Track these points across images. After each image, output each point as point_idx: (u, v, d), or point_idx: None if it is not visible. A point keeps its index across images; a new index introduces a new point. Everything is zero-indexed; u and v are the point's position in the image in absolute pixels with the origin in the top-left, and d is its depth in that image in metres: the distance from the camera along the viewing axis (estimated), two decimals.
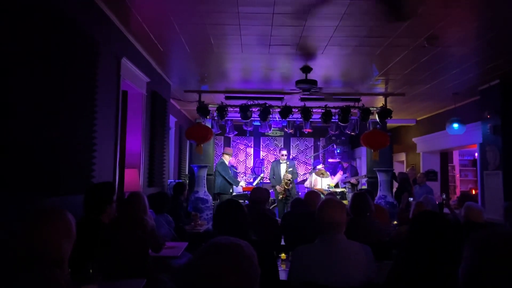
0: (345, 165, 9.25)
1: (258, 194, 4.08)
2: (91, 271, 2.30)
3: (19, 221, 1.67)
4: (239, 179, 8.77)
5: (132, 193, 3.27)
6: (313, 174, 8.38)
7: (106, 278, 2.48)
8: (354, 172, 9.38)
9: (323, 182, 8.25)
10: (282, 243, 4.13)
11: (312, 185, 8.20)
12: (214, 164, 8.10)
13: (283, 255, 3.29)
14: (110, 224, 2.76)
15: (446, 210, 5.60)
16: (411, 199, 7.11)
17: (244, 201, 7.63)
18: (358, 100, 6.75)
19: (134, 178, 4.57)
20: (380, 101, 7.05)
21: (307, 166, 11.07)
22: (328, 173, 8.27)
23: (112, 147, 3.98)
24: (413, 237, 2.20)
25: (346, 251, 2.19)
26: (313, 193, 4.15)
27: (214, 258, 0.99)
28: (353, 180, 8.79)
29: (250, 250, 1.03)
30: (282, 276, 2.62)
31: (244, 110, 6.54)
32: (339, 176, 8.71)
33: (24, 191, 2.47)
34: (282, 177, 7.90)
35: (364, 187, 8.68)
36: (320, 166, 8.44)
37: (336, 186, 8.63)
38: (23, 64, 2.45)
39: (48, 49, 2.68)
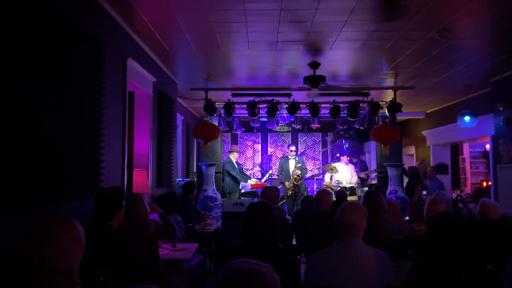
0: (354, 160, 9.18)
1: (268, 193, 4.04)
2: (101, 278, 2.27)
3: (27, 231, 1.64)
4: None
5: (128, 196, 3.08)
6: (339, 166, 8.28)
7: (117, 285, 2.46)
8: (364, 167, 9.30)
9: (337, 176, 8.16)
10: (294, 242, 4.09)
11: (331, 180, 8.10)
12: (222, 161, 8.05)
13: None
14: (119, 229, 2.72)
15: (459, 205, 5.50)
16: (425, 192, 7.02)
17: (253, 199, 7.60)
18: (367, 94, 6.63)
19: (142, 179, 4.53)
20: (389, 95, 6.93)
21: (315, 162, 10.99)
22: (336, 168, 8.19)
23: (120, 148, 3.95)
24: (430, 241, 2.14)
25: (363, 255, 2.14)
26: (324, 192, 4.08)
27: (235, 287, 0.93)
28: (362, 175, 8.72)
29: (272, 275, 0.96)
30: None
31: (252, 107, 6.47)
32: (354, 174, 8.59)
33: (31, 198, 2.43)
34: (291, 173, 7.85)
35: (374, 181, 8.60)
36: (344, 158, 8.40)
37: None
38: (27, 67, 2.40)
39: (52, 51, 2.63)
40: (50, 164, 2.60)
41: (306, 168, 8.60)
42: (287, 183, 7.84)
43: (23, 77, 2.36)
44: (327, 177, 8.26)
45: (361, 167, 9.08)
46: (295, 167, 7.84)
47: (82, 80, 3.05)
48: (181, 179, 6.91)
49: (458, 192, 5.25)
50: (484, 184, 9.71)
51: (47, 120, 2.57)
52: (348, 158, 8.57)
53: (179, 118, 7.56)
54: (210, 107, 6.58)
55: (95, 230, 2.58)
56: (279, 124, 7.52)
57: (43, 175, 2.53)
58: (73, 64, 2.90)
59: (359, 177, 8.60)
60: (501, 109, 5.90)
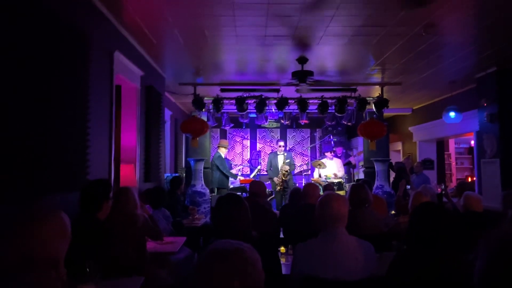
0: (338, 153, 9.34)
1: (257, 186, 4.06)
2: (88, 270, 2.27)
3: (12, 222, 1.63)
4: (234, 171, 8.74)
5: (119, 189, 3.11)
6: (326, 161, 8.40)
7: (103, 277, 2.45)
8: (348, 157, 9.60)
9: (325, 172, 8.25)
10: (281, 235, 4.12)
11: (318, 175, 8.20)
12: (211, 157, 8.05)
13: (282, 249, 3.27)
14: (106, 221, 2.72)
15: (444, 199, 5.60)
16: (409, 187, 7.14)
17: (242, 194, 7.62)
18: (355, 90, 6.69)
19: (130, 174, 4.51)
20: (376, 91, 7.01)
21: (304, 157, 11.06)
22: (324, 164, 8.26)
23: (106, 142, 3.92)
24: (413, 229, 2.18)
25: (348, 245, 2.17)
26: (311, 185, 4.12)
27: (217, 265, 0.96)
28: (351, 159, 8.99)
29: (253, 254, 0.99)
30: (283, 269, 2.60)
31: (240, 103, 6.48)
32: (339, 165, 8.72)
33: (16, 190, 2.41)
34: (279, 168, 7.89)
35: (359, 173, 8.74)
36: (328, 154, 8.52)
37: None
38: (11, 61, 2.37)
39: (37, 44, 2.60)
40: (36, 157, 2.58)
41: (294, 164, 8.65)
42: (275, 179, 7.88)
43: (3, 70, 2.33)
44: (315, 173, 8.35)
45: (346, 157, 9.32)
46: (284, 162, 7.88)
47: (67, 73, 3.02)
48: (169, 174, 6.89)
49: (443, 186, 5.34)
50: (469, 179, 9.90)
51: (32, 113, 2.55)
52: (333, 153, 8.70)
53: (168, 113, 7.53)
54: (198, 102, 6.56)
55: (82, 222, 2.57)
56: (268, 120, 7.55)
57: (28, 168, 2.51)
58: (57, 57, 2.86)
59: (347, 164, 8.81)
60: (485, 105, 6.01)
